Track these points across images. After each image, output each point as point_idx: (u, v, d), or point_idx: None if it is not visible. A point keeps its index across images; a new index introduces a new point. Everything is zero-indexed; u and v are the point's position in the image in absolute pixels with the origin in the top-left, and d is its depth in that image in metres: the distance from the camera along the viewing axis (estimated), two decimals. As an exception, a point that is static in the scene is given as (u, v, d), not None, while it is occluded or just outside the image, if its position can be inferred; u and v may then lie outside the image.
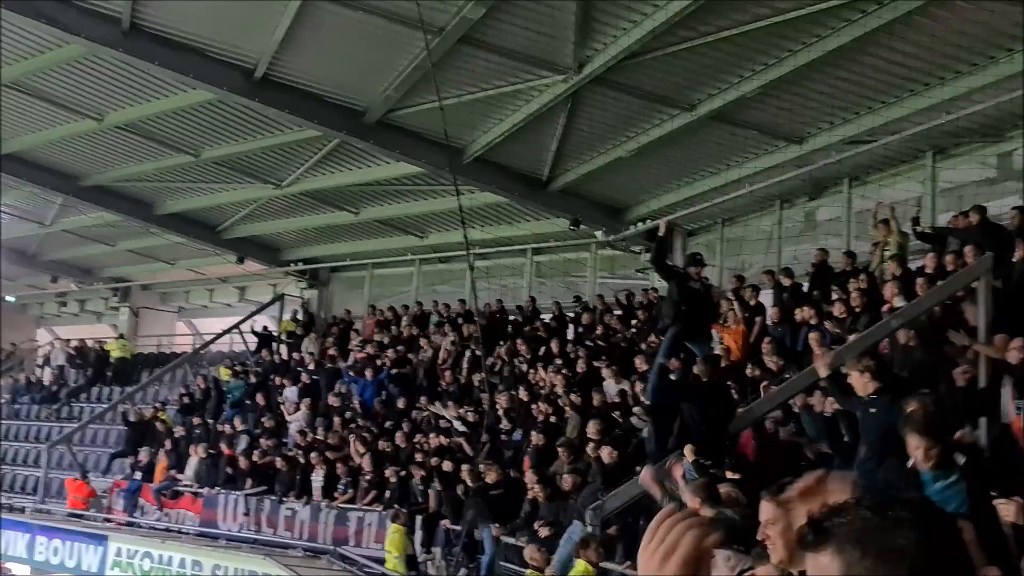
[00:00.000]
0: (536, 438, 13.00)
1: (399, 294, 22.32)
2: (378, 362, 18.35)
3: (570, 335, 16.66)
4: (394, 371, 17.90)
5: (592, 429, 11.80)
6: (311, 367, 19.79)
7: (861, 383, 6.77)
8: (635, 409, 10.96)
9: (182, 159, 18.92)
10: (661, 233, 11.26)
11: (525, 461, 13.09)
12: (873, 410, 6.65)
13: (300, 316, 23.14)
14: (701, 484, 5.90)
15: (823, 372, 8.37)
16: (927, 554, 1.30)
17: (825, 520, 1.36)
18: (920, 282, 10.87)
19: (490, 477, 12.74)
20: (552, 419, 13.49)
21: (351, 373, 18.45)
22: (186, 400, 20.72)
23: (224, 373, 20.89)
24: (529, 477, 12.12)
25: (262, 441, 17.40)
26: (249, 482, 16.60)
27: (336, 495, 15.34)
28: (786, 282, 13.67)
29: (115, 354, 24.83)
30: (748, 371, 11.67)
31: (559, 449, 12.29)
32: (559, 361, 15.28)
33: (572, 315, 17.38)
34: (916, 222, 12.99)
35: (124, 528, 17.76)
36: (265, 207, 21.18)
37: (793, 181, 14.45)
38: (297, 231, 22.39)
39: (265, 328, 22.63)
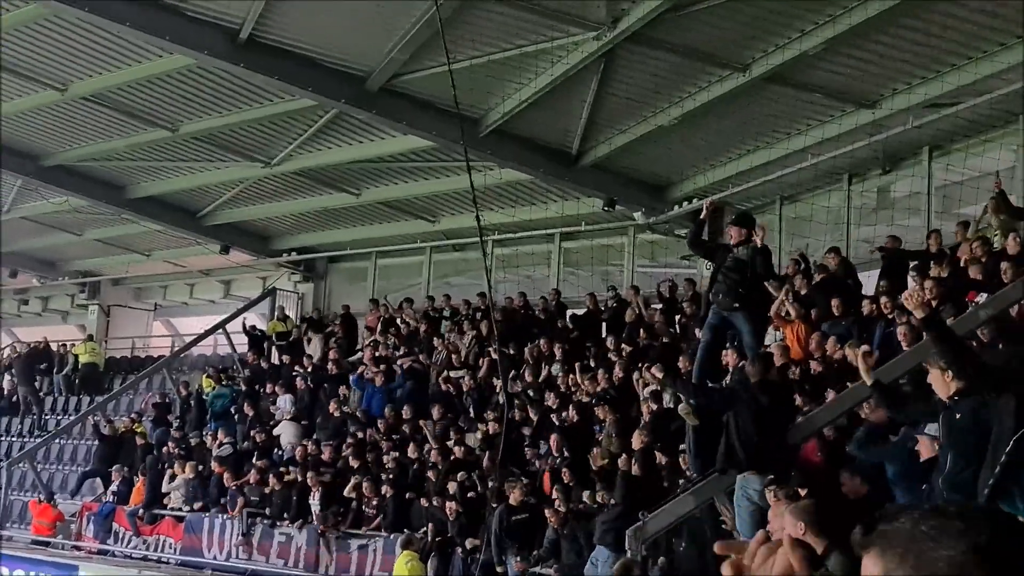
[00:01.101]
0: (555, 442, 13.03)
1: (407, 287, 22.34)
2: (383, 365, 18.41)
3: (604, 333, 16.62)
4: (405, 370, 17.95)
5: (637, 441, 11.84)
6: (310, 371, 19.86)
7: (943, 383, 6.68)
8: (680, 409, 10.85)
9: (157, 135, 18.99)
10: (703, 215, 10.96)
11: (546, 476, 13.19)
12: (959, 415, 6.58)
13: (290, 314, 23.21)
14: (808, 507, 5.76)
15: (868, 379, 8.29)
16: (978, 569, 1.34)
17: (876, 522, 1.44)
18: (1005, 266, 10.78)
19: (514, 498, 12.77)
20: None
21: (360, 378, 18.44)
22: (166, 412, 20.86)
23: (206, 383, 20.99)
24: (555, 496, 12.19)
25: (255, 460, 17.49)
26: (240, 503, 16.71)
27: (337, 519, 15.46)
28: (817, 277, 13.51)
29: (84, 358, 25.02)
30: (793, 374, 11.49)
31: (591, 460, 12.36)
32: (593, 362, 15.34)
33: (603, 308, 17.37)
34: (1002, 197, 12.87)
35: (96, 557, 17.93)
36: (253, 189, 21.25)
37: (864, 151, 14.36)
38: (289, 216, 22.45)
39: (254, 327, 22.75)
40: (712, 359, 10.75)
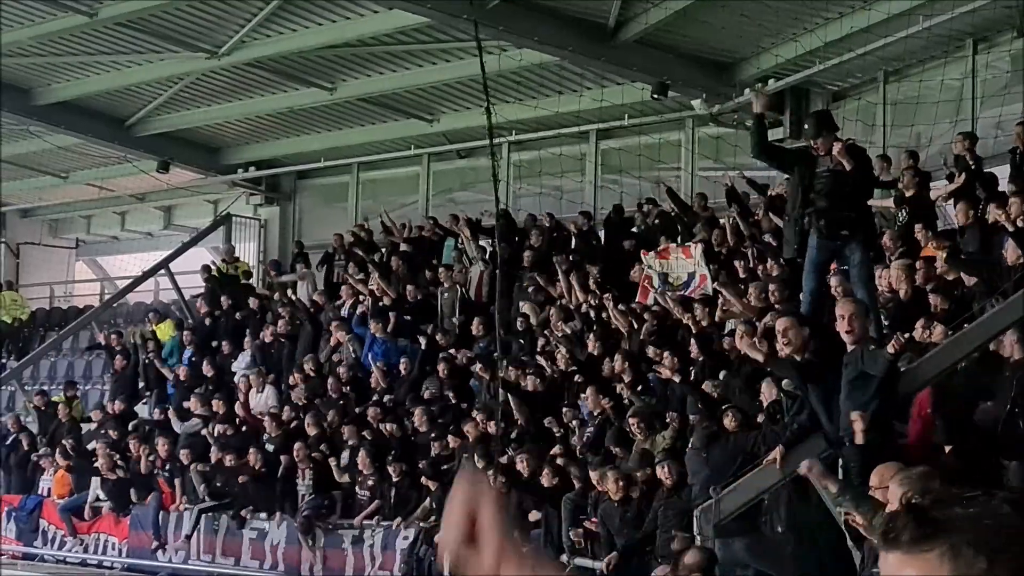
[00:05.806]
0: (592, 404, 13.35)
1: (401, 207, 22.43)
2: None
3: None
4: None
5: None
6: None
7: None
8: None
9: (72, 21, 18.89)
10: (757, 109, 10.91)
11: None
12: None
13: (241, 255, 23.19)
14: (925, 475, 5.81)
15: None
16: None
17: (934, 508, 1.37)
18: None
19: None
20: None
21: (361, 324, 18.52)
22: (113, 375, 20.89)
23: (164, 331, 21.01)
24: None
25: (217, 429, 17.59)
26: (202, 489, 16.94)
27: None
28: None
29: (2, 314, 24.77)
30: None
31: (632, 421, 12.63)
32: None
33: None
34: None
35: (20, 562, 18.19)
36: (196, 87, 21.23)
37: (993, 9, 14.27)
38: (245, 121, 22.51)
39: (208, 267, 22.71)
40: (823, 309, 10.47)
